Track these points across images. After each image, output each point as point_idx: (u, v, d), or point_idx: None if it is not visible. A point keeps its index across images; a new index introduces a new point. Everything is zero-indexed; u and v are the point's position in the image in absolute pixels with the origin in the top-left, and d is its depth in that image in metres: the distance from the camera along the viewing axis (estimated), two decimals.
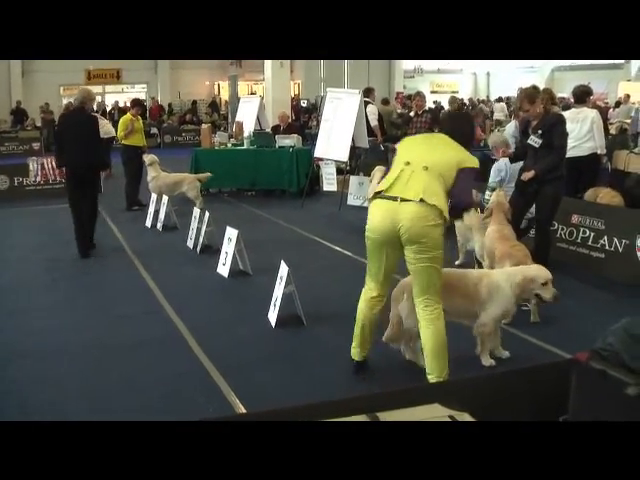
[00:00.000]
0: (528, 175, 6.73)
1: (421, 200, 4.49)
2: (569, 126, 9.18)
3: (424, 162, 4.65)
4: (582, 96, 9.50)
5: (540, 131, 6.78)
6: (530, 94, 6.89)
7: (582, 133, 9.11)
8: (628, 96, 23.63)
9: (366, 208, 5.75)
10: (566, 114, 9.77)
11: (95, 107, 31.23)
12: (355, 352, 5.13)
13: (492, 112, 26.82)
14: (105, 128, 17.65)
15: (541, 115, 6.87)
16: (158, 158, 12.25)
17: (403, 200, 4.56)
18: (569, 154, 9.20)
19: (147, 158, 12.01)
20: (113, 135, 17.76)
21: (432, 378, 4.62)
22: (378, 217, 4.83)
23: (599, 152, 9.26)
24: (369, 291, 5.05)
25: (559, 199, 6.99)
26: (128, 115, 12.65)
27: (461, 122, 5.20)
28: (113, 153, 18.31)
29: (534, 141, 6.83)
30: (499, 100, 29.11)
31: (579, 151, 9.09)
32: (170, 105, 32.76)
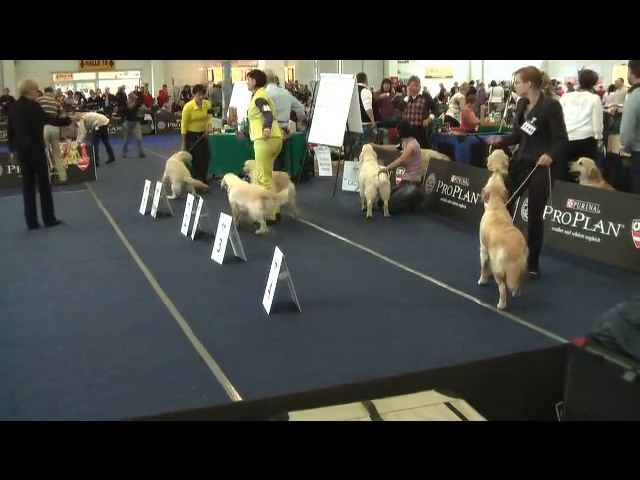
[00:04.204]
0: (545, 160, 6.53)
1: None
2: (568, 108, 9.17)
3: (275, 115, 9.63)
4: (588, 81, 9.59)
5: (535, 118, 6.68)
6: (526, 72, 6.71)
7: (580, 117, 9.10)
8: (622, 80, 23.51)
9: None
10: (567, 96, 9.78)
11: (88, 94, 31.35)
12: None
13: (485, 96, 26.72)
14: (99, 119, 17.65)
15: (537, 100, 6.75)
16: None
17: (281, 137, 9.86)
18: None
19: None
20: (105, 124, 17.71)
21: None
22: (277, 143, 9.55)
23: (596, 137, 9.26)
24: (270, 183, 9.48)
25: (551, 186, 6.87)
26: (191, 104, 12.86)
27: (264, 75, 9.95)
28: (114, 140, 18.29)
29: (528, 128, 6.72)
30: (493, 84, 29.03)
31: (576, 135, 9.06)
32: (165, 86, 32.72)
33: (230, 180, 9.48)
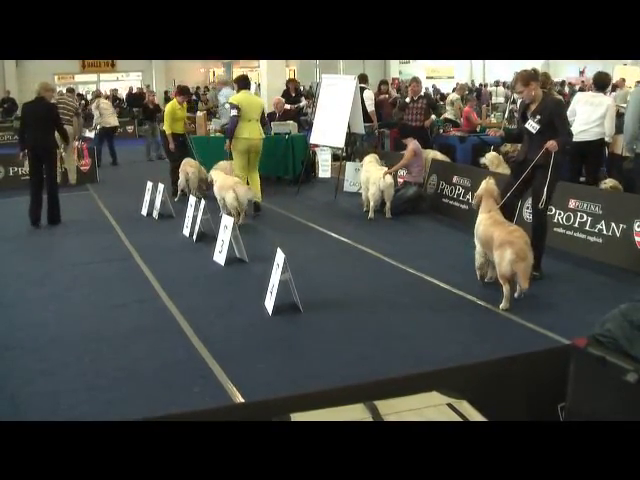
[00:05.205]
0: (553, 145, 6.43)
1: (259, 134, 10.46)
2: (581, 108, 9.16)
3: (256, 116, 10.35)
4: (603, 84, 9.61)
5: (539, 116, 6.66)
6: (524, 76, 6.71)
7: (592, 118, 9.07)
8: (623, 80, 23.49)
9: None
10: (580, 96, 9.78)
11: (91, 95, 31.29)
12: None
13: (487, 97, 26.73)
14: (103, 120, 17.56)
15: (539, 99, 6.74)
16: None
17: (254, 138, 10.32)
18: (576, 138, 9.17)
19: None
20: (109, 126, 17.61)
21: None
22: (245, 143, 10.21)
23: (607, 140, 9.27)
24: (244, 176, 10.33)
25: (554, 184, 6.85)
26: (173, 103, 12.48)
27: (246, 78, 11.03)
28: (120, 142, 18.19)
29: (532, 126, 6.70)
30: (496, 84, 29.01)
31: (587, 135, 9.04)
32: (166, 93, 32.65)
33: (213, 174, 10.36)
